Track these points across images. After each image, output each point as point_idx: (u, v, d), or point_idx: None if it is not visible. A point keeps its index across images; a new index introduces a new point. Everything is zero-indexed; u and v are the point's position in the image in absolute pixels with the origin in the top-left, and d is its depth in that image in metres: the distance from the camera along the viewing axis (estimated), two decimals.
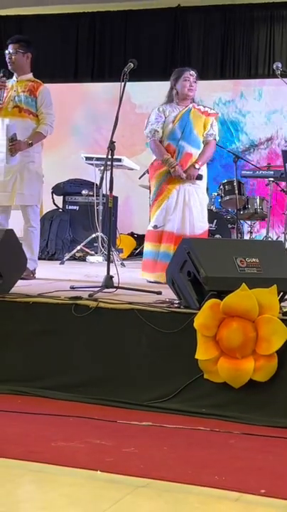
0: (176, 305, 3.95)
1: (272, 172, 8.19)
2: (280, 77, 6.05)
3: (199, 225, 5.55)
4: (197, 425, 3.38)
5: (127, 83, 4.90)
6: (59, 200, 8.88)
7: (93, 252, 7.77)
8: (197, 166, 5.51)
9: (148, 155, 6.40)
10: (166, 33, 10.41)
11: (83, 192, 8.52)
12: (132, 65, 4.96)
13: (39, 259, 5.74)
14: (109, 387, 3.80)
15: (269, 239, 7.91)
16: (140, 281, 5.31)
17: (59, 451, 2.96)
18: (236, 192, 7.79)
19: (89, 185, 8.48)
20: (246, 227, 8.68)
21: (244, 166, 8.48)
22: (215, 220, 7.84)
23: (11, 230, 4.48)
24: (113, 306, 3.92)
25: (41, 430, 3.25)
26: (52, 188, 8.67)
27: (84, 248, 7.71)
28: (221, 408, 3.57)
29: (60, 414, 3.49)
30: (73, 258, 7.59)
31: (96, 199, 7.75)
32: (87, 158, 8.05)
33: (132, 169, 8.47)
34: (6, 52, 5.60)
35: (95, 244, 7.75)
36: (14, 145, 5.37)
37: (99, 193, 7.75)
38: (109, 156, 4.84)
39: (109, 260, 4.64)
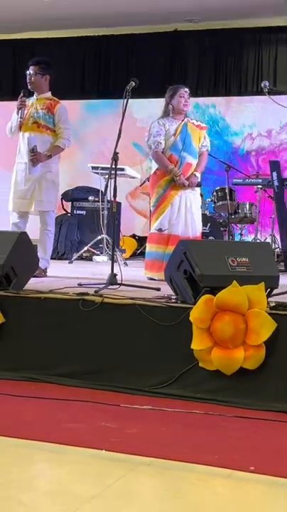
0: (174, 300, 3.94)
1: (260, 180, 8.19)
2: (268, 94, 6.05)
3: (198, 227, 5.62)
4: (193, 409, 3.37)
5: (129, 100, 4.90)
6: (68, 205, 8.87)
7: (98, 253, 7.76)
8: (197, 174, 5.59)
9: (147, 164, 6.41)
10: (164, 54, 10.40)
11: (90, 198, 8.52)
12: (134, 83, 4.96)
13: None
14: (113, 375, 3.79)
15: (258, 240, 7.90)
16: (141, 279, 5.31)
17: (68, 433, 2.95)
18: (228, 198, 7.79)
19: (95, 192, 8.48)
20: (237, 230, 8.67)
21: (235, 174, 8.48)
22: (209, 224, 7.83)
23: (25, 233, 4.48)
24: (116, 301, 3.91)
25: (52, 413, 3.25)
26: (62, 195, 8.66)
27: (91, 249, 7.70)
28: (214, 393, 3.56)
29: (69, 399, 3.48)
30: (80, 258, 7.59)
31: (102, 204, 7.74)
32: (93, 168, 8.05)
33: (134, 177, 8.47)
34: (27, 72, 5.60)
35: (100, 246, 7.75)
36: (35, 156, 5.37)
37: (104, 199, 7.74)
38: (113, 166, 4.84)
39: (113, 260, 4.63)
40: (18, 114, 5.53)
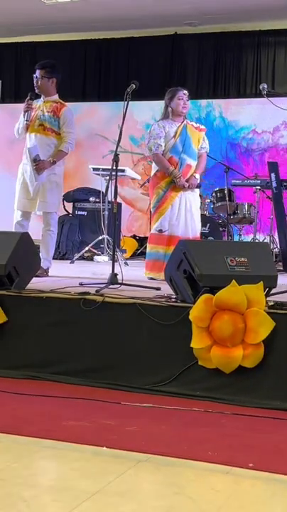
0: (173, 299, 3.94)
1: (259, 181, 8.19)
2: (266, 96, 6.06)
3: (198, 227, 5.63)
4: (192, 406, 3.38)
5: (130, 102, 4.90)
6: (69, 206, 8.88)
7: (99, 253, 7.76)
8: (197, 176, 5.59)
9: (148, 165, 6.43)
10: (164, 57, 10.41)
11: (91, 199, 8.52)
12: (134, 86, 4.96)
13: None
14: (114, 373, 3.79)
15: (256, 241, 7.90)
16: (141, 279, 5.31)
17: (69, 430, 2.95)
18: (227, 199, 7.80)
19: (96, 193, 8.48)
20: (235, 230, 8.67)
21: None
22: (208, 224, 7.83)
23: (27, 233, 4.48)
24: (117, 301, 3.92)
25: (53, 411, 3.25)
26: (63, 196, 8.66)
27: (92, 249, 7.70)
28: (213, 391, 3.57)
29: (70, 396, 3.49)
30: (82, 258, 7.59)
31: (102, 205, 7.74)
32: (94, 169, 8.05)
33: (134, 179, 8.47)
34: (34, 76, 5.61)
35: (101, 246, 7.75)
36: (38, 165, 5.37)
37: (105, 200, 7.75)
38: (114, 167, 4.84)
39: (113, 260, 4.63)
40: (24, 116, 5.54)
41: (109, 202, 7.71)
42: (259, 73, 9.96)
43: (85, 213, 8.67)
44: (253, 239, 8.02)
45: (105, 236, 7.54)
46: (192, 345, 3.61)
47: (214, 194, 8.18)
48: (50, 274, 5.45)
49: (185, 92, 5.65)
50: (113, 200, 4.87)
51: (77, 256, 7.48)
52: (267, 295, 3.84)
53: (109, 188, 5.15)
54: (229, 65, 10.16)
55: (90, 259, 7.77)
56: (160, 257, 5.48)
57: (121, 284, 4.44)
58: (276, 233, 7.24)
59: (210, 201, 8.25)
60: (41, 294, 4.08)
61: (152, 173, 5.77)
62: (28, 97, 5.57)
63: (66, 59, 10.52)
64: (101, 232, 7.60)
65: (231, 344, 3.54)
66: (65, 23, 10.14)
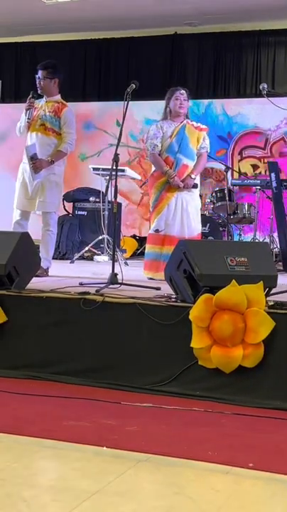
0: (173, 299, 3.94)
1: (259, 181, 8.19)
2: (266, 96, 6.06)
3: (196, 227, 5.59)
4: (192, 406, 3.38)
5: (130, 102, 4.90)
6: (69, 206, 8.88)
7: (99, 253, 7.76)
8: (193, 176, 5.56)
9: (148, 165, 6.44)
10: (164, 57, 10.41)
11: (91, 199, 8.51)
12: (134, 85, 4.96)
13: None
14: (114, 373, 3.79)
15: (256, 240, 7.90)
16: (141, 278, 5.31)
17: (69, 430, 2.95)
18: (227, 199, 7.80)
19: (96, 192, 8.48)
20: (236, 230, 8.68)
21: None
22: (208, 224, 7.84)
23: (27, 233, 4.48)
24: (117, 300, 3.92)
25: (54, 411, 3.25)
26: (63, 196, 8.66)
27: (92, 249, 7.70)
28: (213, 391, 3.57)
29: (70, 396, 3.49)
30: (82, 258, 7.58)
31: (102, 205, 7.74)
32: (94, 169, 8.05)
33: (134, 179, 8.47)
34: (37, 77, 5.61)
35: (101, 246, 7.75)
36: (35, 164, 5.37)
37: (105, 200, 7.75)
38: (114, 167, 4.84)
39: (113, 259, 4.63)
40: (26, 115, 5.55)
41: (108, 202, 7.71)
42: (259, 73, 9.96)
43: (85, 213, 8.67)
44: (253, 239, 8.02)
45: (105, 236, 7.54)
46: (192, 345, 3.60)
47: (214, 194, 8.19)
48: (50, 273, 5.45)
49: (183, 91, 5.64)
50: (113, 200, 4.87)
51: (77, 256, 7.47)
52: (267, 295, 3.84)
53: (109, 188, 5.14)
54: (229, 65, 10.15)
55: (90, 259, 7.77)
56: (157, 257, 5.50)
57: (121, 283, 4.44)
58: (276, 233, 7.24)
59: (210, 201, 8.25)
60: (41, 294, 4.08)
61: (150, 174, 5.79)
62: (30, 96, 5.58)
63: (66, 59, 10.51)
64: (101, 232, 7.61)
65: (231, 344, 3.54)
66: (65, 23, 10.13)
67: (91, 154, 10.28)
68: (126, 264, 7.00)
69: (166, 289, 4.22)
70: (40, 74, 5.59)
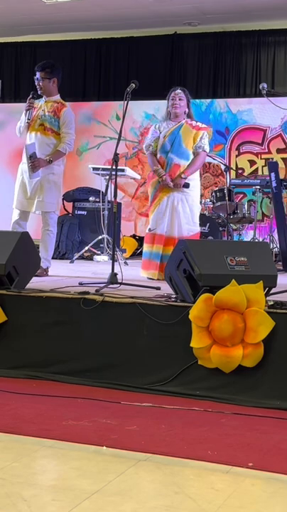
0: (173, 299, 3.95)
1: (259, 181, 8.19)
2: (266, 96, 6.07)
3: (187, 227, 5.51)
4: (192, 406, 3.38)
5: (129, 101, 4.90)
6: (69, 206, 8.88)
7: (99, 252, 7.76)
8: (183, 176, 5.49)
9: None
10: (164, 57, 10.40)
11: (90, 199, 8.51)
12: (134, 85, 4.96)
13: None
14: (114, 372, 3.80)
15: (256, 240, 7.90)
16: (141, 278, 5.32)
17: (69, 429, 2.96)
18: (227, 199, 7.80)
19: (95, 192, 8.48)
20: (235, 230, 8.67)
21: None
22: (208, 224, 7.83)
23: (27, 233, 4.49)
24: (117, 300, 3.92)
25: (53, 410, 3.26)
26: (63, 195, 8.66)
27: (92, 249, 7.70)
28: (213, 391, 3.57)
29: (70, 396, 3.49)
30: (81, 257, 7.58)
31: (102, 205, 7.75)
32: (94, 169, 8.05)
33: (134, 178, 8.47)
34: (35, 78, 5.63)
35: (101, 245, 7.75)
36: (34, 162, 5.38)
37: (105, 200, 7.75)
38: (113, 167, 4.84)
39: (113, 259, 4.63)
40: (25, 115, 5.55)
41: (108, 201, 7.71)
42: (259, 73, 9.96)
43: (85, 213, 8.67)
44: (253, 238, 8.02)
45: (105, 236, 7.54)
46: (191, 344, 3.61)
47: (213, 194, 8.18)
48: (49, 273, 5.45)
49: (178, 91, 5.61)
50: (113, 199, 4.87)
51: (76, 256, 7.48)
52: (267, 294, 3.85)
53: (109, 188, 5.15)
54: (228, 65, 10.15)
55: (90, 258, 7.77)
56: (148, 256, 5.54)
57: (121, 283, 4.45)
58: (276, 233, 7.24)
59: (210, 201, 8.25)
60: (41, 294, 4.09)
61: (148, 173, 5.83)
62: (30, 96, 5.59)
63: (66, 59, 10.51)
64: (101, 231, 7.61)
65: (231, 344, 3.55)
66: (65, 23, 10.13)
67: (92, 147, 10.29)
68: (125, 263, 7.00)
69: (166, 289, 4.23)
70: (38, 75, 5.60)
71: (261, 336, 3.51)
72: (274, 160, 8.95)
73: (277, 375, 3.52)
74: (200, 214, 5.92)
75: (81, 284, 4.52)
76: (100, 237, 7.54)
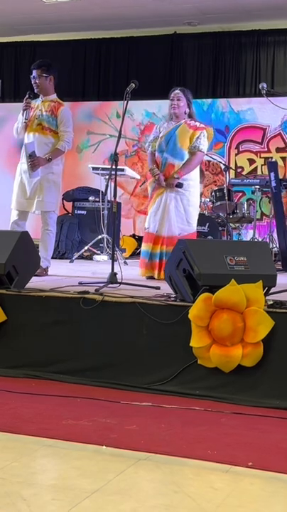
0: (173, 298, 3.95)
1: (258, 180, 8.19)
2: (265, 96, 6.07)
3: (180, 226, 5.46)
4: (191, 405, 3.38)
5: (129, 101, 4.90)
6: (69, 205, 8.89)
7: (99, 252, 7.77)
8: (176, 175, 5.47)
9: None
10: (164, 56, 10.40)
11: (90, 198, 8.52)
12: (134, 85, 4.96)
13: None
14: (114, 372, 3.80)
15: (255, 240, 7.90)
16: (141, 278, 5.32)
17: (69, 429, 2.96)
18: (226, 198, 7.80)
19: (95, 192, 8.48)
20: (234, 230, 8.68)
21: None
22: (207, 223, 7.84)
23: (26, 232, 4.49)
24: (117, 300, 3.92)
25: (53, 410, 3.26)
26: (63, 195, 8.67)
27: (91, 248, 7.70)
28: (213, 390, 3.57)
29: (70, 395, 3.49)
30: (81, 257, 7.59)
31: (102, 204, 7.75)
32: (94, 169, 8.06)
33: (134, 178, 8.47)
34: (31, 77, 5.61)
35: (101, 245, 7.75)
36: (33, 161, 5.38)
37: (105, 199, 7.75)
38: (113, 167, 4.84)
39: (113, 259, 4.64)
40: (23, 115, 5.55)
41: (108, 201, 7.71)
42: (259, 73, 9.96)
43: (85, 212, 8.67)
44: (253, 238, 8.02)
45: (104, 235, 7.54)
46: (191, 344, 3.61)
47: (213, 193, 8.19)
48: (49, 273, 5.45)
49: (176, 91, 5.61)
50: (112, 199, 4.87)
51: (76, 255, 7.48)
52: (266, 294, 3.85)
53: (109, 188, 5.15)
54: (228, 65, 10.15)
55: (89, 258, 7.77)
56: (142, 254, 5.59)
57: (121, 283, 4.45)
58: (275, 233, 7.24)
59: (210, 201, 8.25)
60: (41, 293, 4.08)
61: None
62: (27, 96, 5.58)
63: (66, 59, 10.51)
64: (101, 231, 7.61)
65: (231, 343, 3.55)
66: (65, 23, 10.13)
67: (92, 144, 10.30)
68: (125, 263, 7.00)
69: (166, 289, 4.23)
70: (34, 73, 5.59)
71: (260, 335, 3.51)
72: (273, 159, 8.96)
73: (276, 374, 3.52)
74: (200, 213, 5.92)
75: (81, 283, 4.51)
76: (100, 237, 7.54)
